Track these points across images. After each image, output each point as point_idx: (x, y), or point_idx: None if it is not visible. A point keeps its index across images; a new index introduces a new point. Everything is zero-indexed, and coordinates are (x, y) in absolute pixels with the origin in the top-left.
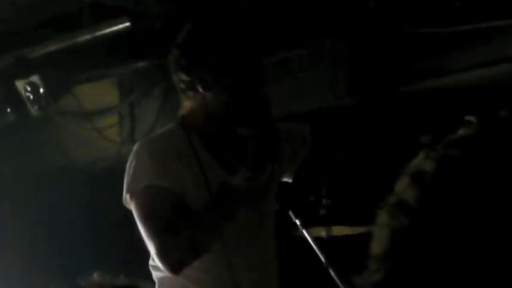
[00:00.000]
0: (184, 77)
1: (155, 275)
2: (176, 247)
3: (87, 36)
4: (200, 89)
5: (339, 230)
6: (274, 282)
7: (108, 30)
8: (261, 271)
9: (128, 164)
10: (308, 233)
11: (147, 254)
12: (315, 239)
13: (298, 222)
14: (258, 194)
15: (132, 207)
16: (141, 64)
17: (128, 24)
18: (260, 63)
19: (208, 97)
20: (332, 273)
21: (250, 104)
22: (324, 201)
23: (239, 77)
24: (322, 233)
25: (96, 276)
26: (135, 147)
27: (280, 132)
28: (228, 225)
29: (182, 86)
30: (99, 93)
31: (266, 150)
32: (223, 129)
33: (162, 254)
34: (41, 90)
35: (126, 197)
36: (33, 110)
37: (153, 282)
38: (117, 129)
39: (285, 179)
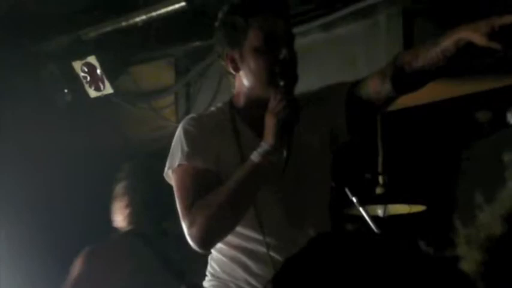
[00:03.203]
0: (222, 61)
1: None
2: (202, 224)
3: (143, 17)
4: (232, 71)
5: (396, 209)
6: None
7: (163, 10)
8: None
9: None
10: (365, 211)
11: None
12: (372, 217)
13: (355, 199)
14: (280, 168)
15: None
16: (197, 44)
17: (183, 4)
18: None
19: (241, 77)
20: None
21: (272, 82)
22: (380, 178)
23: (260, 55)
24: (379, 211)
25: None
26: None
27: (305, 97)
28: (266, 203)
29: (225, 70)
30: (155, 73)
31: (284, 123)
32: (257, 107)
33: (189, 231)
34: (98, 70)
35: (167, 172)
36: (90, 90)
37: None
38: (173, 108)
39: (343, 139)
